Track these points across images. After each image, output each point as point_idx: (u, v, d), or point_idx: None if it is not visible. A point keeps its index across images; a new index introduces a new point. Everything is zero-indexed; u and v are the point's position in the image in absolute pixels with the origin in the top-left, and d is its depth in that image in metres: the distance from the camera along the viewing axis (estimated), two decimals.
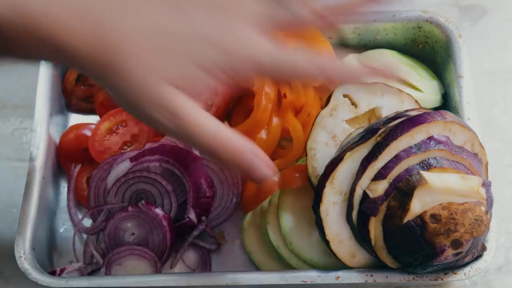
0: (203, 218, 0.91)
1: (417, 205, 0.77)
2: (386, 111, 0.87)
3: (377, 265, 0.83)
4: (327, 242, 0.82)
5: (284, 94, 0.94)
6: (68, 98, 1.03)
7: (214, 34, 0.67)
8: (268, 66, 0.68)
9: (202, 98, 0.70)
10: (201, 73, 0.66)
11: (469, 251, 0.79)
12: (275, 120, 0.94)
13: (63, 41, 0.63)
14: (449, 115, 0.81)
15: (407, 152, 0.78)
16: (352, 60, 0.99)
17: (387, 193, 0.78)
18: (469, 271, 0.83)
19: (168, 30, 0.66)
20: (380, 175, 0.79)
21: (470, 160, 0.81)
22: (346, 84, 0.85)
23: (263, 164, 0.70)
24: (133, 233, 0.91)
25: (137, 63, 0.65)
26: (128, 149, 0.95)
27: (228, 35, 0.67)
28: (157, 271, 0.89)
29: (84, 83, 1.03)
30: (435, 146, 0.79)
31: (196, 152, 0.92)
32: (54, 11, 0.63)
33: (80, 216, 0.95)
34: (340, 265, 0.84)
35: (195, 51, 0.66)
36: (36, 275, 0.84)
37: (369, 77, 0.74)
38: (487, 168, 0.85)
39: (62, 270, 0.90)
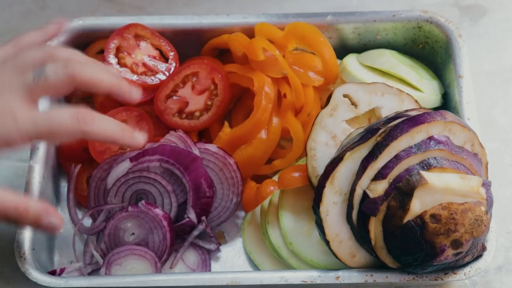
0: (203, 218, 0.91)
1: (417, 205, 0.77)
2: (386, 111, 0.87)
3: (377, 265, 0.83)
4: (327, 242, 0.82)
5: (284, 94, 0.94)
6: (68, 98, 1.03)
7: None
8: (31, 132, 0.75)
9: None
10: None
11: (469, 251, 0.79)
12: (275, 120, 0.94)
13: None
14: (449, 115, 0.81)
15: (407, 152, 0.78)
16: (352, 60, 0.99)
17: (387, 193, 0.78)
18: (469, 271, 0.83)
19: None
20: (380, 175, 0.79)
21: (470, 160, 0.81)
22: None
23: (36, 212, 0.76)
24: (133, 233, 0.91)
25: None
26: (128, 149, 0.95)
27: None
28: (157, 271, 0.89)
29: None
30: (435, 146, 0.79)
31: (196, 152, 0.92)
32: None
33: (80, 216, 0.95)
34: (340, 265, 0.84)
35: None
36: (36, 275, 0.84)
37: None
38: (487, 168, 0.85)
39: (62, 270, 0.90)
